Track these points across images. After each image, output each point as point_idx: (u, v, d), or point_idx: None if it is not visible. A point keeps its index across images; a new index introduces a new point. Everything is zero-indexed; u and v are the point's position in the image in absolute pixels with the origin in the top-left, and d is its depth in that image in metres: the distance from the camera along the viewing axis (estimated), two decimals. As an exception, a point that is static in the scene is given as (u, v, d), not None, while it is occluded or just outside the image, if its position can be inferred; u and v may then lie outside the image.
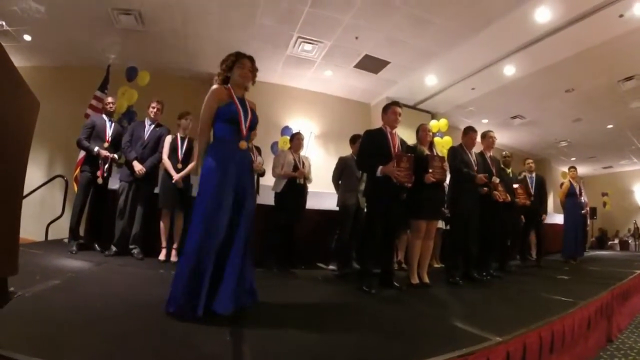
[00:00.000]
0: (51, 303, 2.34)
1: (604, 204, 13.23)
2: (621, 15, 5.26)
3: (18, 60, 7.16)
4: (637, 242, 13.47)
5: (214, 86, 2.57)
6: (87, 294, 2.64)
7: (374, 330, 2.38)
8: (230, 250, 2.34)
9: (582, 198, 7.24)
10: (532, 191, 5.83)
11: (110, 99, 4.94)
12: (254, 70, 2.66)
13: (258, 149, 4.71)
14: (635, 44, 5.96)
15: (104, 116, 4.78)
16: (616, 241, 13.98)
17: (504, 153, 5.69)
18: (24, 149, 2.42)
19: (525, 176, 6.03)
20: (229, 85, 2.60)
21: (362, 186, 4.31)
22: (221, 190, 2.38)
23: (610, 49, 6.10)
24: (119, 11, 5.70)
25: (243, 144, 2.54)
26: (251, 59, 2.66)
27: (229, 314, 2.22)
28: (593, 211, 10.41)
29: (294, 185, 4.61)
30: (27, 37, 6.53)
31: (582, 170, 14.46)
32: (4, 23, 1.80)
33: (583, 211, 7.39)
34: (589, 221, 10.03)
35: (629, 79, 7.19)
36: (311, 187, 4.92)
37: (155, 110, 4.64)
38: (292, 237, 4.60)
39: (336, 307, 2.93)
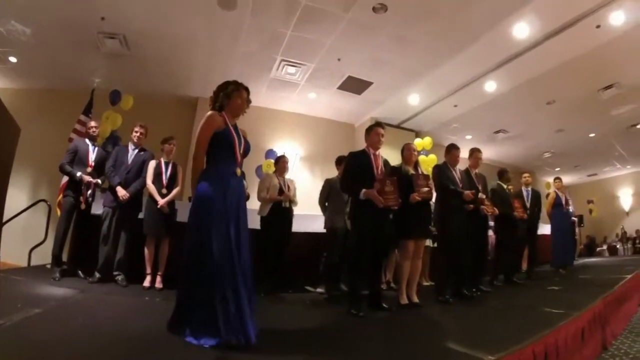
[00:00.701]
0: (33, 334, 2.26)
1: (590, 211, 13.38)
2: (598, 26, 5.39)
3: (3, 82, 7.18)
4: (625, 247, 13.65)
5: (210, 112, 2.56)
6: (71, 325, 2.55)
7: (365, 355, 2.34)
8: (244, 276, 2.36)
9: (570, 208, 7.35)
10: (528, 204, 5.93)
11: (93, 123, 4.89)
12: (248, 101, 2.73)
13: (243, 173, 4.67)
14: (613, 53, 6.10)
15: (87, 140, 4.73)
16: (604, 247, 14.12)
17: (503, 169, 5.83)
18: (3, 175, 2.38)
19: (521, 190, 6.10)
20: (222, 112, 2.60)
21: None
22: (223, 217, 2.37)
23: (589, 59, 6.23)
24: (104, 35, 5.70)
25: (238, 171, 2.57)
26: (247, 90, 2.72)
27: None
28: (580, 219, 10.52)
29: (280, 209, 4.60)
30: (13, 59, 6.49)
31: (567, 179, 14.66)
32: None
33: (572, 219, 7.53)
34: (577, 229, 10.16)
35: (609, 87, 7.35)
36: (298, 210, 4.90)
37: (138, 134, 4.60)
38: (280, 260, 4.56)
39: (326, 332, 2.88)
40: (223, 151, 2.54)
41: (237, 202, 2.48)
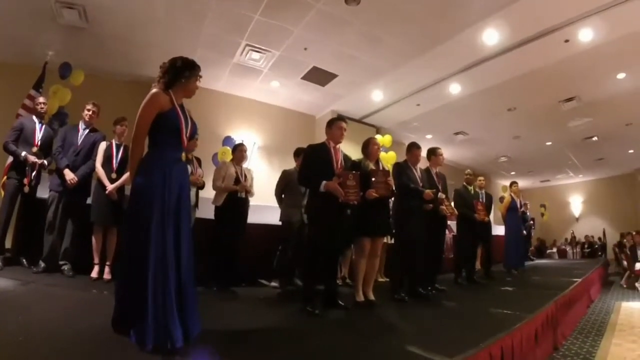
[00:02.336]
0: None
1: (542, 215, 13.99)
2: (567, 41, 5.57)
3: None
4: (574, 250, 14.35)
5: (154, 90, 2.31)
6: (9, 322, 2.36)
7: (319, 356, 2.28)
8: (182, 270, 2.21)
9: (527, 212, 7.62)
10: None
11: (42, 99, 4.60)
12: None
13: (198, 160, 4.52)
14: (577, 68, 6.34)
15: (34, 118, 4.43)
16: (554, 250, 14.82)
17: (467, 171, 6.04)
18: None
19: (477, 192, 6.18)
20: (169, 90, 2.36)
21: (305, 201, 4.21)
22: (164, 205, 2.19)
23: (554, 71, 6.45)
24: (62, 4, 5.33)
25: (183, 156, 2.40)
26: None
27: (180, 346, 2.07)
28: (533, 222, 10.99)
29: (235, 199, 4.38)
30: (-41, 28, 5.97)
31: (521, 183, 15.02)
32: None
33: (529, 223, 7.81)
34: (532, 232, 10.57)
35: (570, 100, 7.67)
36: (253, 201, 4.74)
37: (90, 113, 4.33)
38: (233, 253, 4.35)
39: (280, 332, 2.77)
40: (167, 134, 2.32)
41: (179, 191, 2.29)
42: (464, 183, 5.91)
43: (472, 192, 5.91)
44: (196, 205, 4.37)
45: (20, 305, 2.87)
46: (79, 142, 4.26)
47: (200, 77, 2.48)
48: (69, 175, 4.07)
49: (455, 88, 7.31)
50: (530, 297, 4.28)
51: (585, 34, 5.46)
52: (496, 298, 4.45)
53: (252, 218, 4.76)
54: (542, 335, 3.38)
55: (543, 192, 16.21)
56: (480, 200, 5.97)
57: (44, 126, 4.43)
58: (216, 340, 2.37)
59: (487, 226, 6.02)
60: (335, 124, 3.68)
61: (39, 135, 4.32)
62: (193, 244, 2.35)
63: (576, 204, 16.03)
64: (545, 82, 6.89)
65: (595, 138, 9.98)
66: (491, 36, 5.66)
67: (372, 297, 3.85)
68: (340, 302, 3.55)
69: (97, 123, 4.48)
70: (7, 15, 5.62)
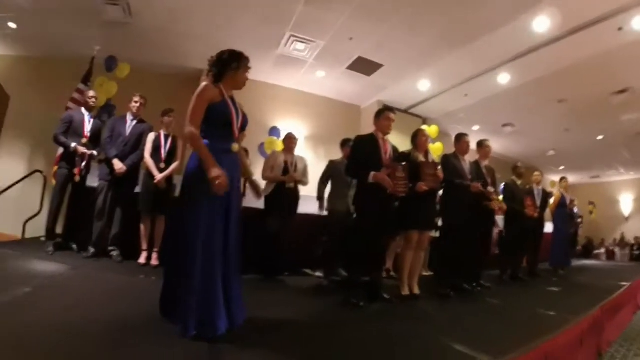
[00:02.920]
0: (17, 318, 2.14)
1: (590, 212, 13.34)
2: (620, 29, 5.25)
3: (1, 49, 6.94)
4: (623, 252, 13.61)
5: (206, 83, 2.34)
6: (57, 307, 2.42)
7: (362, 348, 2.27)
8: (230, 259, 2.25)
9: (575, 208, 7.28)
10: (538, 203, 5.82)
11: (92, 93, 4.74)
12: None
13: (246, 151, 4.53)
14: (630, 58, 5.97)
15: (83, 110, 4.56)
16: (602, 250, 14.11)
17: (518, 164, 5.76)
18: None
19: (532, 188, 5.98)
20: (219, 83, 2.38)
21: (353, 192, 4.12)
22: (212, 198, 2.19)
23: (605, 60, 6.10)
24: (106, 1, 5.50)
25: (235, 147, 2.39)
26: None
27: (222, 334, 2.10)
28: (581, 219, 10.51)
29: (284, 190, 4.38)
30: (12, 25, 6.28)
31: (570, 178, 14.43)
32: None
33: (577, 221, 7.45)
34: (580, 231, 10.12)
35: (622, 91, 7.23)
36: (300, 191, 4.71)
37: (138, 105, 4.44)
38: (280, 243, 4.36)
39: (324, 324, 2.76)
40: (218, 126, 2.33)
41: (230, 181, 2.26)
42: (513, 177, 5.65)
43: (523, 186, 5.66)
44: (243, 194, 4.38)
45: (70, 289, 2.98)
46: (127, 132, 4.37)
47: (249, 68, 2.48)
48: (117, 165, 4.19)
49: (504, 78, 7.02)
50: (576, 299, 4.15)
51: (640, 22, 5.11)
52: (541, 298, 4.31)
53: (300, 208, 4.74)
54: (587, 341, 3.24)
55: (592, 188, 15.41)
56: (536, 195, 5.77)
57: (92, 119, 4.56)
58: (258, 328, 2.38)
59: (537, 223, 5.77)
60: (383, 114, 3.63)
61: (88, 127, 4.45)
62: (241, 234, 2.36)
63: (626, 202, 15.13)
64: (597, 72, 6.52)
65: (649, 133, 9.39)
66: (542, 24, 5.38)
67: (417, 290, 3.82)
68: (385, 295, 3.52)
69: (143, 114, 4.58)
70: (53, 13, 5.85)
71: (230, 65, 2.37)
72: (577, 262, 9.46)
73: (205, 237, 2.17)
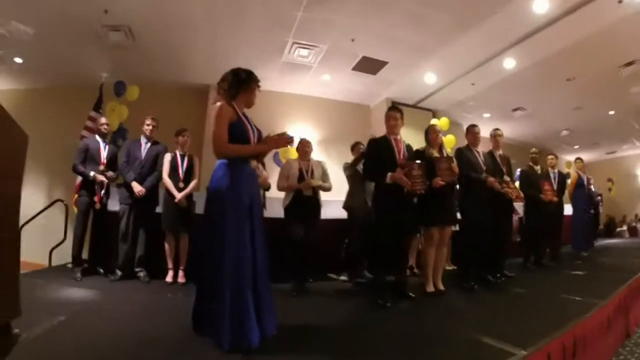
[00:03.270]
0: (58, 345, 2.23)
1: (609, 190, 13.11)
2: (620, 1, 5.16)
3: (10, 83, 7.17)
4: (645, 228, 13.36)
5: (220, 104, 2.42)
6: (95, 332, 2.51)
7: (393, 349, 2.31)
8: (258, 271, 2.31)
9: (592, 187, 7.19)
10: (555, 187, 5.74)
11: (104, 120, 4.83)
12: None
13: (263, 163, 4.51)
14: (634, 29, 5.83)
15: (97, 138, 4.65)
16: (624, 227, 13.83)
17: (532, 150, 5.77)
18: (16, 184, 2.34)
19: (548, 172, 5.91)
20: (232, 102, 2.47)
21: (370, 189, 4.16)
22: (240, 211, 2.31)
23: (609, 35, 5.98)
24: (108, 28, 5.59)
25: (253, 162, 2.49)
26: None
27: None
28: (600, 198, 10.33)
29: (302, 198, 4.21)
30: (18, 60, 6.44)
31: (585, 157, 14.19)
32: None
33: (597, 199, 7.33)
34: (600, 209, 9.96)
35: (630, 64, 7.10)
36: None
37: (150, 127, 4.51)
38: (303, 251, 4.22)
39: (353, 325, 2.83)
40: (237, 143, 2.40)
41: (251, 196, 2.40)
42: (530, 163, 5.62)
43: (540, 171, 5.63)
44: (264, 206, 4.40)
45: (102, 314, 3.05)
46: (143, 155, 4.45)
47: (259, 87, 2.58)
48: (136, 187, 4.27)
49: (509, 63, 6.95)
50: (601, 281, 4.10)
51: (641, -9, 5.02)
52: (566, 283, 4.28)
53: (323, 214, 4.57)
54: (614, 322, 3.24)
55: (609, 165, 15.11)
56: (553, 179, 5.70)
57: (107, 145, 4.65)
58: (290, 336, 2.45)
59: (557, 207, 5.70)
60: (387, 114, 3.69)
61: (104, 153, 4.53)
62: (266, 246, 2.43)
63: (645, 176, 14.85)
64: (602, 47, 6.40)
65: (661, 103, 9.21)
66: (541, 4, 5.33)
67: (441, 286, 3.83)
68: (410, 294, 3.54)
69: (157, 134, 4.65)
70: (58, 43, 5.96)
71: (248, 85, 2.49)
72: (600, 242, 9.33)
73: (234, 252, 2.24)
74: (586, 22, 5.60)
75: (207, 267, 2.34)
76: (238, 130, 2.40)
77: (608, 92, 8.48)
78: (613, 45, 6.37)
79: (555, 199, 5.51)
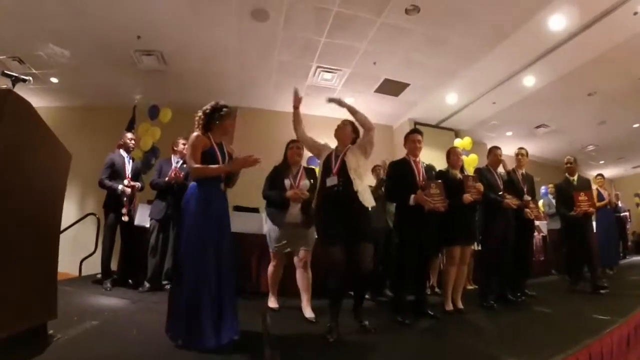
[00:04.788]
0: (92, 348, 2.37)
1: (637, 205, 12.76)
2: (635, 13, 5.14)
3: (47, 101, 7.50)
4: (675, 244, 12.91)
5: (195, 134, 2.76)
6: (127, 337, 2.67)
7: None
8: (222, 282, 2.56)
9: (620, 204, 7.04)
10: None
11: (130, 135, 4.97)
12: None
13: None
14: (653, 40, 5.81)
15: (122, 152, 4.78)
16: (654, 244, 13.40)
17: (567, 159, 5.32)
18: (59, 198, 2.55)
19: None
20: (207, 132, 2.79)
21: (391, 208, 4.27)
22: (206, 224, 2.59)
23: (627, 47, 5.95)
24: (141, 52, 5.90)
25: (222, 186, 2.80)
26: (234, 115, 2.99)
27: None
28: (628, 214, 10.05)
29: None
30: (54, 80, 6.80)
31: (611, 172, 14.06)
32: (30, 79, 1.94)
33: (624, 215, 7.49)
34: (628, 225, 9.72)
35: (651, 75, 7.00)
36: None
37: (184, 147, 4.66)
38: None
39: (374, 342, 2.86)
40: None
41: (219, 212, 2.69)
42: (566, 174, 5.21)
43: (576, 182, 5.12)
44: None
45: (133, 321, 3.22)
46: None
47: (231, 115, 2.92)
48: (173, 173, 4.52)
49: (529, 80, 6.96)
50: (625, 299, 4.10)
51: (656, 1, 4.98)
52: (588, 301, 4.23)
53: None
54: (636, 341, 3.21)
55: (636, 179, 14.72)
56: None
57: (131, 160, 4.83)
58: (311, 350, 2.59)
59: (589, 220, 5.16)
60: (409, 137, 3.79)
61: (128, 167, 4.71)
62: (233, 260, 2.74)
63: (674, 189, 14.33)
64: (622, 60, 6.35)
65: (686, 113, 8.98)
66: (557, 22, 5.36)
67: (460, 305, 3.86)
68: (429, 312, 3.58)
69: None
70: (93, 65, 6.31)
71: (213, 117, 2.80)
72: (629, 259, 9.11)
73: (196, 255, 2.53)
74: (603, 36, 5.62)
75: (176, 273, 2.66)
76: (209, 157, 2.73)
77: (631, 105, 8.33)
78: (632, 57, 6.30)
79: (592, 209, 4.95)
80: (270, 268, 3.82)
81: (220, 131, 2.86)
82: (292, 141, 3.86)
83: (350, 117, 3.35)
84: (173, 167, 4.65)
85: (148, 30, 5.39)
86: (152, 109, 6.69)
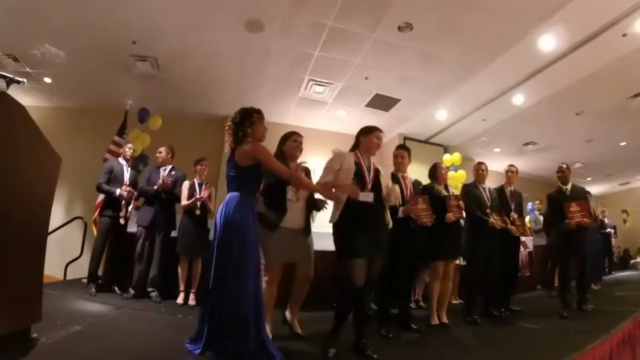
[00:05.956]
0: (75, 353, 2.37)
1: (624, 221, 12.93)
2: (624, 35, 5.25)
3: (38, 101, 7.43)
4: (660, 259, 13.11)
5: (259, 143, 2.60)
6: (110, 343, 2.67)
7: None
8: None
9: (606, 220, 7.12)
10: None
11: (130, 145, 5.10)
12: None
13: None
14: (640, 61, 5.97)
15: (121, 160, 4.90)
16: (639, 259, 13.59)
17: (559, 166, 4.91)
18: (47, 201, 2.55)
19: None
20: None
21: None
22: (256, 243, 2.52)
23: (616, 68, 6.08)
24: (136, 58, 5.89)
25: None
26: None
27: None
28: (613, 230, 10.20)
29: None
30: (47, 80, 6.74)
31: (599, 188, 14.26)
32: (25, 81, 1.92)
33: (608, 231, 7.44)
34: (613, 241, 9.84)
35: (638, 95, 7.14)
36: (317, 228, 4.59)
37: (162, 155, 4.77)
38: None
39: (355, 354, 2.86)
40: (254, 182, 2.64)
41: (255, 228, 2.58)
42: (559, 183, 4.81)
43: (570, 191, 4.70)
44: None
45: (116, 327, 3.22)
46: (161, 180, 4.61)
47: (263, 119, 2.71)
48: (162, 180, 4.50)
49: (518, 99, 7.09)
50: (609, 315, 4.10)
51: (643, 24, 5.12)
52: (572, 317, 4.23)
53: (318, 245, 4.63)
54: (618, 356, 3.23)
55: (623, 196, 14.91)
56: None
57: (130, 169, 4.91)
58: None
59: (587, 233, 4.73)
60: (395, 153, 3.88)
61: (126, 175, 4.79)
62: None
63: (661, 205, 14.55)
64: (610, 80, 6.49)
65: (672, 132, 9.18)
66: (547, 42, 5.47)
67: (445, 319, 3.88)
68: (414, 326, 3.60)
69: (176, 162, 4.90)
70: (87, 67, 6.28)
71: (243, 125, 2.60)
72: (614, 275, 9.22)
73: (255, 281, 2.45)
74: (592, 57, 5.72)
75: (230, 296, 2.38)
76: (258, 172, 2.63)
77: (618, 124, 8.50)
78: (620, 78, 6.45)
79: (586, 220, 4.37)
80: (264, 287, 2.87)
81: (255, 139, 2.61)
82: (294, 132, 3.44)
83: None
84: (161, 174, 4.65)
85: (144, 36, 5.39)
86: (142, 112, 6.69)
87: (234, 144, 2.61)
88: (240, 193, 2.52)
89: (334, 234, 2.93)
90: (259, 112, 2.67)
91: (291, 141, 3.35)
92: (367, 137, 3.13)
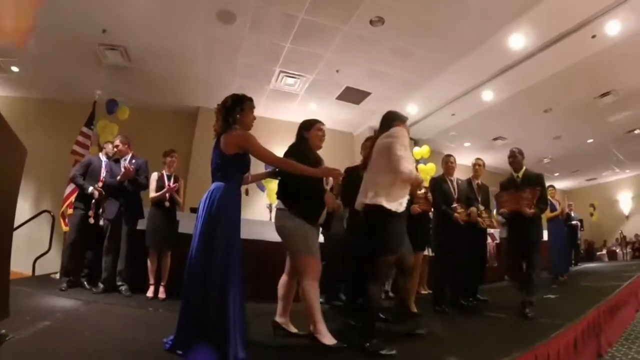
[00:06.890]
0: (44, 347, 2.35)
1: (591, 215, 13.38)
2: (594, 36, 5.43)
3: (5, 91, 7.29)
4: (624, 251, 13.62)
5: (248, 132, 2.58)
6: (79, 338, 2.63)
7: None
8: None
9: (572, 214, 7.37)
10: None
11: (117, 142, 4.75)
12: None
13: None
14: (609, 62, 6.15)
15: (101, 156, 4.79)
16: (604, 251, 14.11)
17: (510, 152, 4.50)
18: (12, 195, 2.47)
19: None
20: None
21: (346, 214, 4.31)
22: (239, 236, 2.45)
23: (585, 67, 6.28)
24: (105, 47, 5.79)
25: (247, 190, 2.61)
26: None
27: None
28: (580, 223, 10.54)
29: None
30: (15, 69, 6.58)
31: (566, 184, 14.74)
32: None
33: (574, 223, 7.83)
34: (579, 233, 10.17)
35: (606, 94, 7.41)
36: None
37: (120, 146, 4.63)
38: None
39: (323, 347, 2.85)
40: (240, 172, 2.56)
41: (239, 220, 2.51)
42: (512, 171, 4.42)
43: (520, 179, 4.28)
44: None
45: (86, 322, 3.17)
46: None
47: (254, 107, 2.70)
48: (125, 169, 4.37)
49: (487, 95, 7.27)
50: (574, 304, 4.21)
51: (612, 27, 5.27)
52: (538, 306, 4.23)
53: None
54: (583, 344, 3.34)
55: (590, 191, 15.48)
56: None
57: (109, 165, 4.70)
58: (264, 357, 2.60)
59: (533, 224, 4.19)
60: (363, 145, 3.95)
61: (104, 172, 4.62)
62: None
63: (625, 200, 15.12)
64: (578, 80, 6.75)
65: (637, 131, 9.51)
66: (517, 40, 5.63)
67: (414, 308, 3.92)
68: (381, 315, 3.64)
69: (147, 154, 4.80)
70: (56, 57, 6.15)
71: (233, 111, 2.56)
72: (580, 267, 9.50)
73: (239, 263, 2.39)
74: (561, 56, 5.91)
75: (210, 283, 2.29)
76: (247, 161, 2.57)
77: (586, 122, 8.81)
78: (588, 78, 6.69)
79: (530, 210, 3.96)
80: (285, 279, 3.21)
81: (243, 127, 2.58)
82: (317, 121, 3.25)
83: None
84: (123, 165, 4.52)
85: (114, 24, 5.31)
86: (110, 103, 6.57)
87: (221, 129, 2.54)
88: (225, 183, 2.46)
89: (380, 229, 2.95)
90: (250, 100, 2.65)
91: (316, 130, 3.20)
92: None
